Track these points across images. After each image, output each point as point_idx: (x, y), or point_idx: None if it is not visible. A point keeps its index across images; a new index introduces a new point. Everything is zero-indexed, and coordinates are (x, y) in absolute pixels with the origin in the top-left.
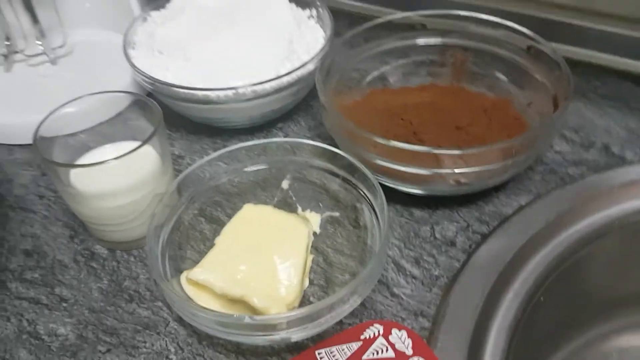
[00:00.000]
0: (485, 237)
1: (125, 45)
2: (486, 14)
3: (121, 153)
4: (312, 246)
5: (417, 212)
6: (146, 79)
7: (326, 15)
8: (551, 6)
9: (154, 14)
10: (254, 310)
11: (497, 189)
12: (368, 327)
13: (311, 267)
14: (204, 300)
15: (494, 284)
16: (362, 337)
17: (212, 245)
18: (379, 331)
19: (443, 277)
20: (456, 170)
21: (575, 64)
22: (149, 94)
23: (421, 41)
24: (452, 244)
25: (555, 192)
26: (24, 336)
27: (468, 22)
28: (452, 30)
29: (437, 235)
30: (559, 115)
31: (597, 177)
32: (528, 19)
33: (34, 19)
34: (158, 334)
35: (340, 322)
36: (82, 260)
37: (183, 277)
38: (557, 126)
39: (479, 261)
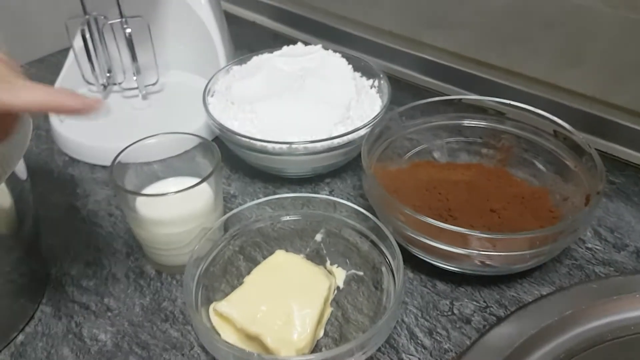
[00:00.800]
0: (500, 320)
1: (205, 93)
2: (544, 104)
3: (181, 187)
4: (333, 300)
5: (440, 285)
6: (216, 125)
7: (386, 87)
8: (607, 105)
9: (235, 68)
10: (266, 349)
11: (522, 275)
12: None
13: (329, 320)
14: (225, 331)
15: None
16: None
17: (242, 282)
18: None
19: (451, 352)
20: (482, 252)
21: (625, 166)
22: (217, 137)
23: (474, 122)
24: (468, 321)
25: (576, 287)
26: (70, 336)
27: (520, 111)
28: (506, 116)
29: (455, 311)
30: (588, 211)
31: (622, 279)
32: (585, 116)
33: (134, 57)
34: (182, 355)
35: None
36: (132, 277)
37: (211, 307)
38: (586, 222)
39: (489, 342)
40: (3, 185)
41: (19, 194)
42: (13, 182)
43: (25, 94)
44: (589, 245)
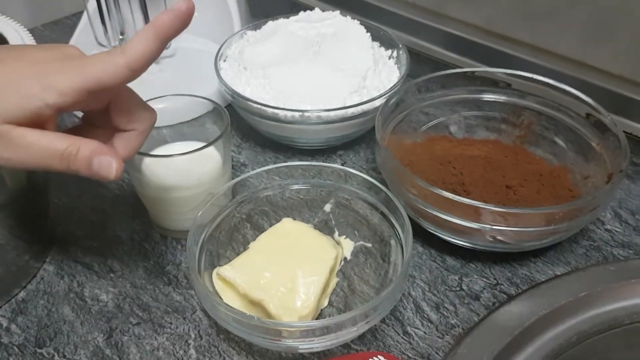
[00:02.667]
0: (511, 298)
1: (218, 57)
2: (569, 82)
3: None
4: (339, 270)
5: (450, 261)
6: (227, 90)
7: (404, 57)
8: (635, 85)
9: (250, 33)
10: (269, 316)
11: (536, 254)
12: (372, 357)
13: (334, 290)
14: (228, 296)
15: (506, 345)
16: None
17: (247, 248)
18: None
19: (458, 327)
20: (494, 227)
21: None
22: (229, 105)
23: (494, 97)
24: (477, 298)
25: (593, 269)
26: (71, 295)
27: (544, 87)
28: (528, 92)
29: (464, 287)
30: (609, 189)
31: None
32: (610, 95)
33: (147, 20)
34: (184, 318)
35: (348, 347)
36: (137, 240)
37: (214, 272)
38: (606, 201)
39: (498, 320)
40: None
41: None
42: None
43: (131, 48)
44: (608, 227)
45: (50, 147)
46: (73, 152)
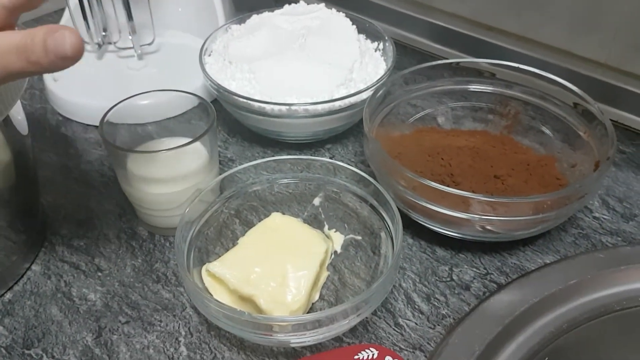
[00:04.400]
0: (501, 287)
1: (202, 52)
2: (555, 71)
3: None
4: (330, 264)
5: (440, 251)
6: (213, 85)
7: (391, 49)
8: (620, 73)
9: (234, 27)
10: (260, 311)
11: (525, 243)
12: (364, 349)
13: (325, 284)
14: (218, 292)
15: (497, 334)
16: (355, 357)
17: (236, 244)
18: (373, 355)
19: (449, 318)
20: (483, 216)
21: (636, 135)
22: (215, 100)
23: (480, 88)
24: (467, 288)
25: (582, 257)
26: (59, 295)
27: (530, 76)
28: (514, 82)
29: (454, 277)
30: (597, 176)
31: (630, 249)
32: (596, 83)
33: (129, 16)
34: (174, 316)
35: (340, 340)
36: (124, 238)
37: (204, 268)
38: (594, 188)
39: (488, 309)
40: (2, 138)
41: (19, 149)
42: (13, 137)
43: None
44: (596, 215)
45: (4, 43)
46: (28, 41)
